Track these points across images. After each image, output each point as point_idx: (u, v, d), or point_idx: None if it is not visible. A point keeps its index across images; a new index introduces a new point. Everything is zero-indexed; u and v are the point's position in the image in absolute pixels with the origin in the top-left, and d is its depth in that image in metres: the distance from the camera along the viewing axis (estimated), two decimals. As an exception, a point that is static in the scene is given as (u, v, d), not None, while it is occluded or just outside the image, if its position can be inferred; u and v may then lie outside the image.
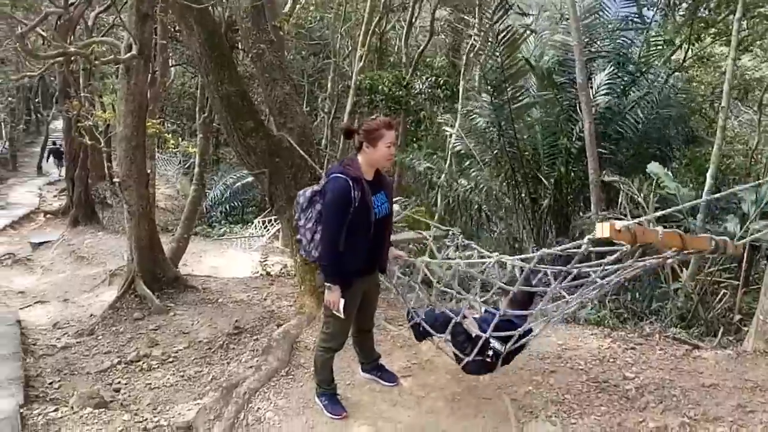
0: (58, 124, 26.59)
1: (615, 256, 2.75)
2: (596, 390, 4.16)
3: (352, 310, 3.74)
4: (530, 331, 3.61)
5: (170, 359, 6.26)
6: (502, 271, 3.90)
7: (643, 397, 3.97)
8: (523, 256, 3.46)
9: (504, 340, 3.57)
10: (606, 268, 2.89)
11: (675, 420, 3.62)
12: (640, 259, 2.90)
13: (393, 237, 4.33)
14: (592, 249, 2.77)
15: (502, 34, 8.53)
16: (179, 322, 7.29)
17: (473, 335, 3.74)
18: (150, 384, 5.70)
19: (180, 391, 5.54)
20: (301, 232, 3.66)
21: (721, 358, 4.56)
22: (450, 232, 4.74)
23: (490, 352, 3.62)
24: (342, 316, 3.62)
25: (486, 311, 3.84)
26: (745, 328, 5.16)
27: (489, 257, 3.62)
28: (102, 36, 12.65)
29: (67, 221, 17.01)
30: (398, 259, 4.18)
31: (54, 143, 28.71)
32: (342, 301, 3.55)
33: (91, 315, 8.37)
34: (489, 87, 9.32)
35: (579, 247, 2.76)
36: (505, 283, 3.56)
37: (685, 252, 2.73)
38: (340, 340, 3.88)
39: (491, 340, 3.58)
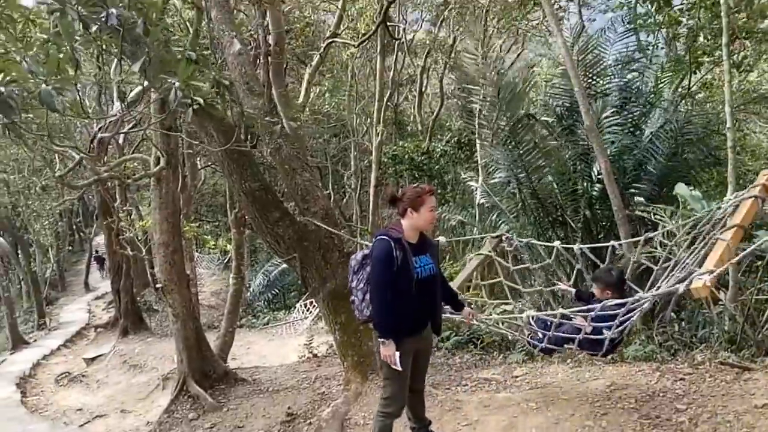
0: (100, 239, 27.73)
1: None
2: (649, 427, 4.11)
3: (406, 368, 3.85)
4: (632, 311, 4.01)
5: (229, 455, 6.35)
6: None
7: (697, 428, 3.91)
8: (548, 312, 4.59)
9: (616, 327, 4.12)
10: None
11: (731, 446, 3.57)
12: None
13: (472, 262, 4.94)
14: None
15: (504, 92, 8.87)
16: (233, 416, 7.40)
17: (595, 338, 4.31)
18: (212, 482, 5.79)
19: (241, 484, 5.62)
20: (353, 292, 3.91)
21: (772, 377, 4.47)
22: (504, 237, 5.49)
23: (606, 342, 4.27)
24: (399, 368, 3.73)
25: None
26: (796, 343, 5.05)
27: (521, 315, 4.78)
28: (133, 151, 13.41)
29: (117, 332, 17.48)
30: (471, 315, 4.55)
31: (96, 251, 30.18)
32: (397, 354, 3.69)
33: (148, 422, 8.55)
34: (499, 142, 9.56)
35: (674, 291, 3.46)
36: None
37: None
38: (400, 404, 3.96)
39: (605, 331, 4.19)
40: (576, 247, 5.02)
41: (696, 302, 7.02)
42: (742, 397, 4.20)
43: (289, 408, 6.80)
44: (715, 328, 6.21)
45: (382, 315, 3.73)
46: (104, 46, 3.12)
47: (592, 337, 4.27)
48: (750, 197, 3.72)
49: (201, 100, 2.74)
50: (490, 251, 5.40)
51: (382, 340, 3.72)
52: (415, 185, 3.92)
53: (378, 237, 3.79)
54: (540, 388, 5.37)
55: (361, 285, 3.87)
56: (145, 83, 3.76)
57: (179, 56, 2.79)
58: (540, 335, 4.55)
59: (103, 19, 2.51)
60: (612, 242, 4.95)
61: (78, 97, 3.58)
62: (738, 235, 3.46)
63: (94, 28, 2.65)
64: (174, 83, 2.61)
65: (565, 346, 4.61)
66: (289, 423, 6.48)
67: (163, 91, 2.74)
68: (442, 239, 5.64)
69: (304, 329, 14.69)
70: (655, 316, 7.09)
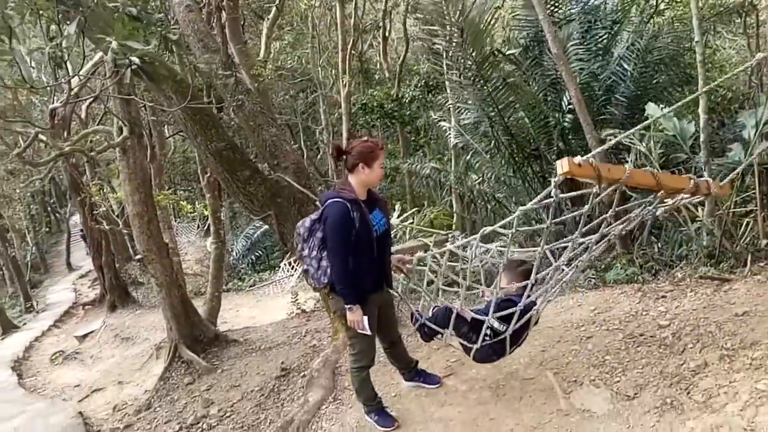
0: (78, 218, 27.35)
1: (587, 207, 2.81)
2: (634, 345, 4.19)
3: (373, 325, 3.79)
4: (533, 305, 3.57)
5: (228, 414, 6.41)
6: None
7: (681, 341, 3.98)
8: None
9: (506, 320, 3.51)
10: (584, 224, 2.95)
11: (714, 354, 3.63)
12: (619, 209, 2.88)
13: (396, 247, 4.46)
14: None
15: (467, 30, 8.66)
16: (228, 376, 7.44)
17: (471, 320, 3.69)
18: (213, 442, 5.86)
19: (242, 441, 5.70)
20: (307, 262, 3.72)
21: (751, 286, 4.56)
22: (450, 236, 4.74)
23: (489, 331, 3.58)
24: (368, 332, 3.70)
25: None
26: (773, 251, 5.13)
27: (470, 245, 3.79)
28: (98, 123, 13.05)
29: (105, 308, 17.43)
30: (403, 263, 4.22)
31: (81, 230, 29.87)
32: (365, 318, 3.64)
33: (146, 391, 8.59)
34: (467, 82, 9.40)
35: (549, 195, 2.69)
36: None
37: (662, 192, 2.75)
38: (370, 356, 3.95)
39: (491, 320, 3.52)
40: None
41: (673, 222, 7.11)
42: (722, 308, 4.28)
43: (282, 363, 6.85)
44: (693, 245, 6.29)
45: (346, 282, 3.56)
46: (40, 12, 2.94)
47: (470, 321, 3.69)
48: (691, 179, 2.93)
49: (137, 60, 2.58)
50: (431, 242, 5.29)
51: (348, 306, 3.60)
52: (364, 139, 3.60)
53: (329, 200, 3.53)
54: (525, 319, 5.44)
55: (314, 252, 3.64)
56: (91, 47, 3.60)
57: (116, 14, 2.63)
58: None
59: (30, -22, 2.35)
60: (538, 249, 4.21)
61: (20, 70, 3.41)
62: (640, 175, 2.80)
63: (23, -12, 2.49)
64: (111, 42, 2.45)
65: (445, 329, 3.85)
66: (283, 377, 6.53)
67: (104, 51, 2.60)
68: (395, 220, 5.33)
69: (291, 287, 14.70)
70: (634, 239, 7.17)
